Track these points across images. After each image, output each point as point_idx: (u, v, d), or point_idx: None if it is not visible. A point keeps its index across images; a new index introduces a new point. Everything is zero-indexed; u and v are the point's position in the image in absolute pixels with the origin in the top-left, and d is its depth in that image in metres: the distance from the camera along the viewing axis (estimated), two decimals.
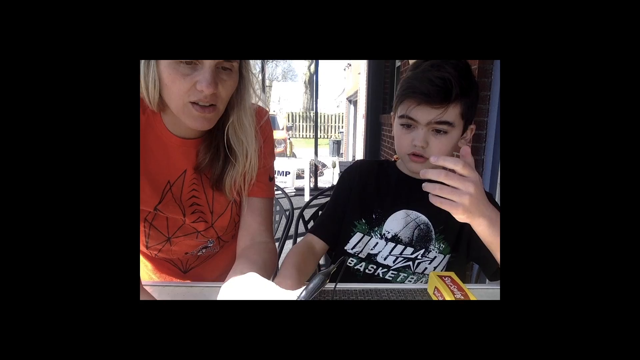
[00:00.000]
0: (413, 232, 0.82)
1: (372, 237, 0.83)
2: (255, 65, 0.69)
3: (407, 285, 0.71)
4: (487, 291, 0.69)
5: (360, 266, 0.84)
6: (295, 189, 4.81)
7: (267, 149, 0.75)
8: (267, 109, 0.78)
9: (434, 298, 0.63)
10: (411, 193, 0.84)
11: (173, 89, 0.56)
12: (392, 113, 0.86)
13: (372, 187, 0.87)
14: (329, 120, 15.75)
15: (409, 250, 0.81)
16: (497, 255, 0.65)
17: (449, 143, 0.75)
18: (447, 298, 0.58)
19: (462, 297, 0.58)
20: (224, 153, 0.69)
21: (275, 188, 0.80)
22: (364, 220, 0.85)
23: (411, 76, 0.77)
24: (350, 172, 0.92)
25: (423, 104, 0.73)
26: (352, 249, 0.84)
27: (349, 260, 0.85)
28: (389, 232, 0.82)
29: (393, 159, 0.97)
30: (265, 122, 0.75)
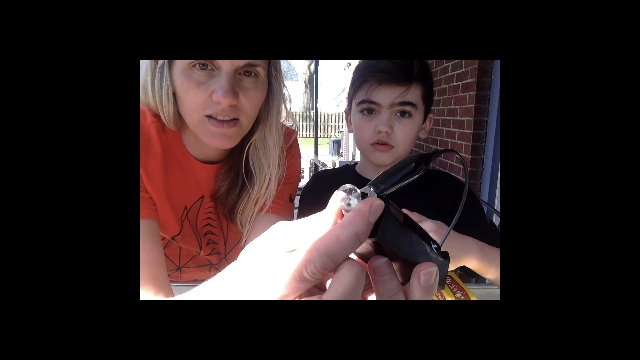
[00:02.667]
0: None
1: None
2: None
3: None
4: (487, 291, 0.69)
5: None
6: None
7: (292, 169, 0.65)
8: (295, 129, 0.68)
9: (434, 298, 0.63)
10: None
11: (187, 101, 0.49)
12: (346, 109, 0.81)
13: None
14: (329, 120, 15.76)
15: None
16: (495, 275, 0.62)
17: (413, 128, 0.71)
18: (447, 298, 0.58)
19: (462, 297, 0.58)
20: (243, 179, 0.60)
21: None
22: None
23: (365, 61, 0.72)
24: (308, 193, 0.81)
25: (385, 83, 0.68)
26: None
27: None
28: None
29: None
30: (292, 143, 0.66)
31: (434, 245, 0.24)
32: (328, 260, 0.19)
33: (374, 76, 0.68)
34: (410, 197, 0.78)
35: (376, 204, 0.19)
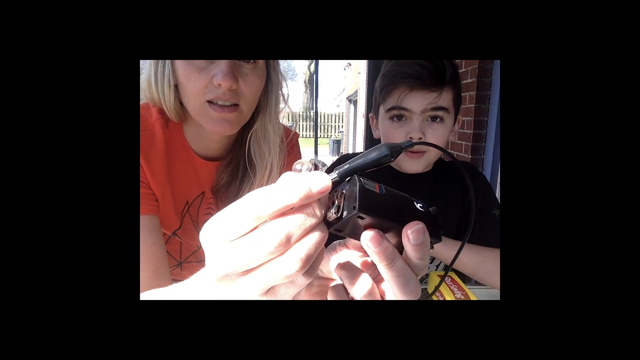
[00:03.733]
0: None
1: None
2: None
3: None
4: (487, 291, 0.69)
5: None
6: None
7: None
8: (297, 132, 0.70)
9: (434, 298, 0.63)
10: (403, 192, 0.74)
11: (189, 87, 0.50)
12: (371, 114, 0.80)
13: None
14: (329, 120, 15.76)
15: None
16: (465, 269, 0.65)
17: (445, 132, 0.70)
18: (447, 298, 0.58)
19: (462, 297, 0.58)
20: (243, 171, 0.61)
21: None
22: None
23: (394, 65, 0.70)
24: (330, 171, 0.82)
25: (416, 89, 0.66)
26: None
27: None
28: None
29: None
30: (294, 143, 0.67)
31: (419, 204, 0.25)
32: (257, 207, 0.20)
33: (404, 82, 0.67)
34: (425, 186, 0.77)
35: (317, 175, 0.21)
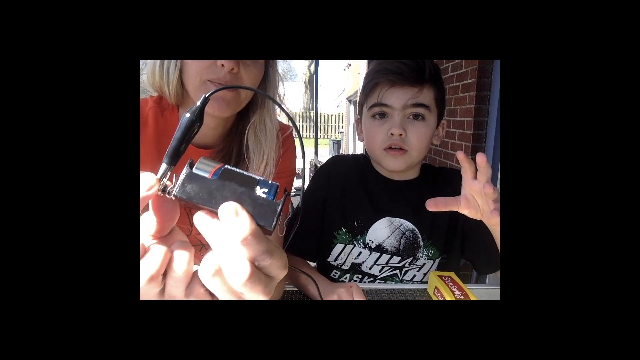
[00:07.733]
0: (399, 241, 0.74)
1: (354, 245, 0.75)
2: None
3: (407, 285, 0.71)
4: (487, 291, 0.69)
5: (345, 278, 0.77)
6: (295, 189, 4.79)
7: (287, 163, 0.68)
8: (291, 126, 0.71)
9: (434, 298, 0.63)
10: (392, 199, 0.75)
11: (192, 66, 0.53)
12: (356, 117, 0.80)
13: (353, 190, 0.76)
14: (329, 120, 15.75)
15: (396, 259, 0.74)
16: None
17: (427, 131, 0.69)
18: (447, 298, 0.58)
19: (462, 297, 0.58)
20: (237, 160, 0.62)
21: None
22: (344, 230, 0.75)
23: (376, 64, 0.71)
24: (323, 176, 0.79)
25: (397, 85, 0.67)
26: (334, 260, 0.77)
27: (333, 273, 0.78)
28: (372, 242, 0.74)
29: None
30: (287, 137, 0.68)
31: (263, 189, 0.23)
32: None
33: (385, 77, 0.67)
34: (413, 193, 0.77)
35: (142, 178, 0.22)
